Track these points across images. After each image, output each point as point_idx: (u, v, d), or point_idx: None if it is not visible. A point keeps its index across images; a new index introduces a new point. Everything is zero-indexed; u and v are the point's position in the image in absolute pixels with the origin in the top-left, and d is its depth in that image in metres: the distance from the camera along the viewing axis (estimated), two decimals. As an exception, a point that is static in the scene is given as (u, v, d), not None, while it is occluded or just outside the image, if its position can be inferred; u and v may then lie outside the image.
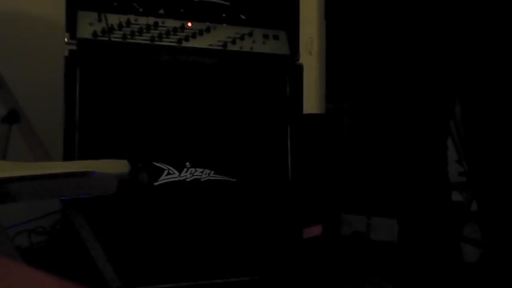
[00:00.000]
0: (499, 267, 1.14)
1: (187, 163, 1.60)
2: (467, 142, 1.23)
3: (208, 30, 1.67)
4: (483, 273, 1.20)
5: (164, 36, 1.61)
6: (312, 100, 2.73)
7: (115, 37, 1.55)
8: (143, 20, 1.60)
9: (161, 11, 1.63)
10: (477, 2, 1.08)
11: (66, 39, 1.50)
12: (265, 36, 1.74)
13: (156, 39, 1.60)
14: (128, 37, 1.57)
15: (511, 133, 1.08)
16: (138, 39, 1.58)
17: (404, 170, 1.23)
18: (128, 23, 1.58)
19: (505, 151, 1.10)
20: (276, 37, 1.76)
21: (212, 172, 1.63)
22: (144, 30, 1.59)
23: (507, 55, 1.08)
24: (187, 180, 1.60)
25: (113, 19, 1.56)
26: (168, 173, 1.58)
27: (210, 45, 1.67)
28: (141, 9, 1.61)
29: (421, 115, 1.19)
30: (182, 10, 1.66)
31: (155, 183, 1.57)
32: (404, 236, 1.26)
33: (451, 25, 1.12)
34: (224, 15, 1.71)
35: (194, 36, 1.65)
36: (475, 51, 1.10)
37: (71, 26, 1.51)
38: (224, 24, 1.71)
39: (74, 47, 1.50)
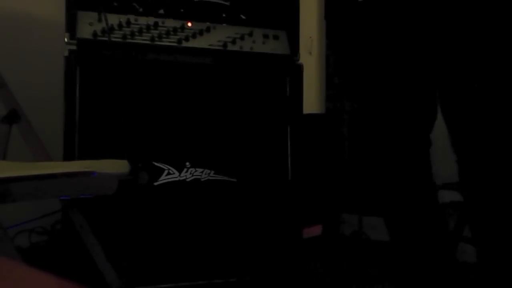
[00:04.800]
0: (493, 266, 1.15)
1: (187, 163, 1.60)
2: (454, 142, 1.23)
3: (208, 30, 1.67)
4: (478, 273, 1.20)
5: (164, 36, 1.61)
6: (312, 100, 2.73)
7: (115, 37, 1.55)
8: (143, 20, 1.60)
9: (161, 11, 1.63)
10: (464, 5, 1.10)
11: (66, 39, 1.50)
12: (265, 36, 1.74)
13: (156, 39, 1.60)
14: (128, 37, 1.57)
15: (494, 132, 1.09)
16: (138, 39, 1.58)
17: (387, 170, 1.24)
18: (128, 23, 1.58)
19: (487, 150, 1.10)
20: (276, 37, 1.76)
21: (212, 172, 1.63)
22: (144, 30, 1.59)
23: (491, 56, 1.09)
24: (187, 180, 1.60)
25: (113, 19, 1.56)
26: (168, 173, 1.58)
27: (210, 45, 1.67)
28: (141, 9, 1.61)
29: (402, 115, 1.21)
30: (182, 10, 1.66)
31: (155, 183, 1.57)
32: (393, 237, 1.27)
33: (438, 28, 1.13)
34: (224, 15, 1.71)
35: (194, 36, 1.65)
36: (459, 51, 1.11)
37: (71, 26, 1.51)
38: (224, 24, 1.71)
39: (74, 47, 1.50)
